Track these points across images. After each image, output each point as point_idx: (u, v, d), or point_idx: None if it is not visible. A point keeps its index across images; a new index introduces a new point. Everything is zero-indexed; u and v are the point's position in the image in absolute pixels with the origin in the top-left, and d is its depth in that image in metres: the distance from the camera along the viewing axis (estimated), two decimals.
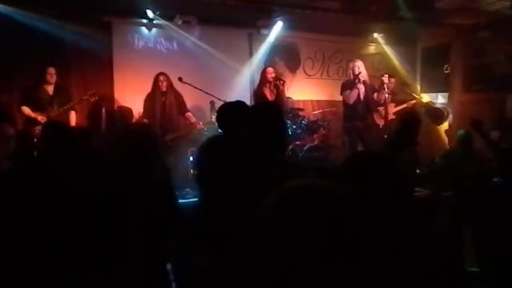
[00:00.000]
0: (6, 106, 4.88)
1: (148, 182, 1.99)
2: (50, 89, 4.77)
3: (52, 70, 4.73)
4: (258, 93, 5.33)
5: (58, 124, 2.99)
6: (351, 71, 5.33)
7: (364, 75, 5.28)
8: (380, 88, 5.62)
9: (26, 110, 4.65)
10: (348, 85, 5.34)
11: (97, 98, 5.01)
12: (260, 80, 5.43)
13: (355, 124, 5.28)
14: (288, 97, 5.71)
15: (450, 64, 6.86)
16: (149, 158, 2.10)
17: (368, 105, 5.37)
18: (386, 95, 5.61)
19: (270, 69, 5.41)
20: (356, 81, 5.25)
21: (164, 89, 4.98)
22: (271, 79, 5.26)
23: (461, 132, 4.74)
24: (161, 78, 4.98)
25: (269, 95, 5.26)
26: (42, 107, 4.68)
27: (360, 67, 5.28)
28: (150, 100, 5.05)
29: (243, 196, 1.49)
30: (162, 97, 5.01)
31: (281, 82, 5.22)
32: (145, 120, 5.03)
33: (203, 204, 1.58)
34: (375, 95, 5.58)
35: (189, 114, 5.22)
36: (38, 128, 4.52)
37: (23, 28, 4.93)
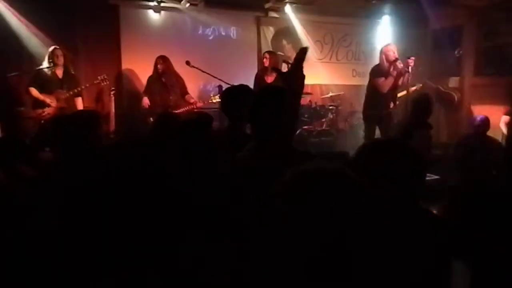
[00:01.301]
0: (15, 88, 4.89)
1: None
2: (59, 72, 4.76)
3: (59, 51, 4.71)
4: (257, 77, 5.34)
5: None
6: (384, 56, 4.85)
7: (399, 61, 4.81)
8: (405, 72, 5.02)
9: (34, 91, 4.64)
10: (382, 72, 4.83)
11: (108, 82, 5.04)
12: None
13: (378, 112, 4.85)
14: None
15: (462, 47, 6.72)
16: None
17: (394, 93, 5.01)
18: (409, 79, 5.07)
19: (266, 54, 5.46)
20: (392, 68, 4.77)
21: (160, 70, 5.15)
22: (267, 65, 5.30)
23: (479, 118, 4.67)
24: (159, 61, 5.16)
25: (269, 80, 5.24)
26: (50, 90, 4.67)
27: (395, 52, 4.81)
28: (151, 81, 5.26)
29: (255, 188, 1.48)
30: (162, 78, 5.18)
31: (289, 65, 5.15)
32: (145, 98, 5.20)
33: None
34: (400, 80, 5.05)
35: (189, 95, 5.34)
36: (46, 111, 4.59)
37: (31, 10, 4.92)
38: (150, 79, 5.27)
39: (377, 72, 4.93)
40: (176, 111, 5.05)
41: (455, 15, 6.57)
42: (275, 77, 5.12)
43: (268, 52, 5.59)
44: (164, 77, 5.16)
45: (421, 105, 4.23)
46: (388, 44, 5.03)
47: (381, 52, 4.96)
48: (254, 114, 1.78)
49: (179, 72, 5.32)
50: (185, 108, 5.22)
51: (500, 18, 6.08)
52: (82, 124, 2.40)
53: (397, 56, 4.79)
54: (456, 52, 6.75)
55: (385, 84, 4.82)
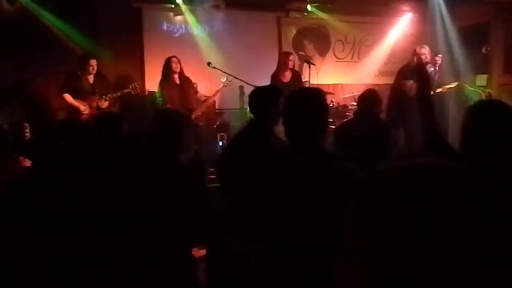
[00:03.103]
0: (40, 93, 4.98)
1: (173, 164, 1.99)
2: (90, 77, 4.84)
3: (94, 62, 4.79)
4: (273, 76, 5.20)
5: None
6: (416, 58, 4.73)
7: (431, 64, 4.74)
8: (435, 74, 4.96)
9: (69, 98, 4.67)
10: (411, 73, 4.63)
11: (139, 91, 5.09)
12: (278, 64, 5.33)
13: (402, 115, 4.66)
14: (304, 81, 5.54)
15: (489, 44, 6.53)
16: (172, 139, 2.13)
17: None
18: (436, 77, 5.02)
19: (291, 57, 5.33)
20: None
21: (178, 70, 4.99)
22: (291, 66, 5.23)
23: None
24: (175, 60, 4.99)
25: (285, 79, 5.17)
26: (83, 96, 4.73)
27: (427, 55, 4.71)
28: (165, 85, 5.01)
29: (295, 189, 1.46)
30: (177, 80, 5.02)
31: (310, 65, 5.13)
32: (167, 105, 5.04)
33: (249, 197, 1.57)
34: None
35: (199, 94, 5.23)
36: (80, 117, 4.64)
37: (58, 14, 5.05)
38: (163, 83, 5.02)
39: (404, 72, 4.79)
40: (198, 113, 5.05)
41: (481, 12, 6.40)
42: (291, 76, 5.13)
43: (292, 53, 5.52)
44: (180, 78, 5.04)
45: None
46: (422, 47, 4.88)
47: (414, 53, 4.82)
48: (290, 115, 1.76)
49: (200, 74, 5.33)
50: (205, 109, 5.18)
51: None
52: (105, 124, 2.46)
53: (429, 60, 4.67)
54: (483, 50, 6.57)
55: (414, 87, 4.60)
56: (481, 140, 1.52)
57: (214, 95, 5.21)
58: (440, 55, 4.88)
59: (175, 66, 4.96)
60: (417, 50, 4.82)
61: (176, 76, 5.00)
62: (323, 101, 1.86)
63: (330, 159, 1.63)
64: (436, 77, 4.91)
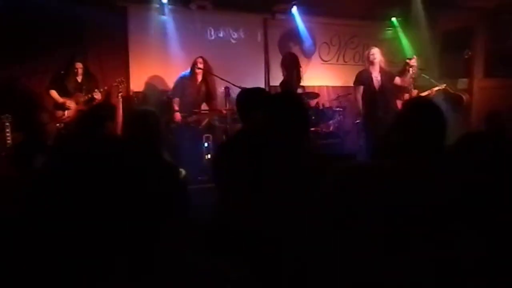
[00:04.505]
0: (35, 91, 4.96)
1: (150, 163, 1.99)
2: (78, 78, 4.87)
3: (79, 65, 4.84)
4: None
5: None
6: (366, 61, 5.09)
7: (380, 62, 5.02)
8: (405, 72, 5.24)
9: (54, 94, 4.73)
10: (362, 77, 5.08)
11: (125, 85, 5.11)
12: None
13: (374, 114, 4.96)
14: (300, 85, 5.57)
15: (471, 48, 6.66)
16: (149, 139, 2.13)
17: (386, 94, 5.05)
18: (411, 79, 5.26)
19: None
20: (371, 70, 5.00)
21: (201, 72, 5.09)
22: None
23: None
24: (200, 60, 5.07)
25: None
26: (70, 93, 4.77)
27: (376, 55, 4.98)
28: (185, 80, 5.12)
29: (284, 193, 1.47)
30: (198, 81, 5.12)
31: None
32: (175, 98, 5.11)
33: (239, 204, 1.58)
34: (398, 79, 5.23)
35: (215, 102, 5.28)
36: (66, 113, 4.69)
37: (43, 12, 4.97)
38: (184, 78, 5.14)
39: (358, 77, 5.12)
40: (197, 118, 5.13)
41: (465, 17, 6.52)
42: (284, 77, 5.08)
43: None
44: (202, 80, 5.14)
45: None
46: (371, 49, 5.13)
47: (366, 57, 5.16)
48: (279, 118, 1.80)
49: None
50: (207, 117, 5.23)
51: (509, 20, 6.02)
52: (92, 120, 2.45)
53: (379, 60, 4.98)
54: (465, 54, 6.70)
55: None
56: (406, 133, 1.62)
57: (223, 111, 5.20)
58: (414, 57, 5.09)
59: (201, 66, 5.07)
60: (365, 53, 5.17)
61: (199, 75, 5.10)
62: (305, 104, 1.95)
63: (311, 156, 1.67)
64: (409, 78, 5.17)
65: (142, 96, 5.65)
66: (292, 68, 5.00)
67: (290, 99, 1.93)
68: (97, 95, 4.82)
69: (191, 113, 5.14)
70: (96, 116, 4.32)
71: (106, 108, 4.79)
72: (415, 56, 5.19)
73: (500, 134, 3.63)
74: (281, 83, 5.06)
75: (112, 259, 0.90)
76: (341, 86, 6.75)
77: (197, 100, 5.18)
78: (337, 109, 5.98)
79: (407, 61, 5.17)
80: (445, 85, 5.99)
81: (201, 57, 5.13)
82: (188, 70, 5.20)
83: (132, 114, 2.66)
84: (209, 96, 5.26)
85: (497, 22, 6.26)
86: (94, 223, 0.92)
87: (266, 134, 2.14)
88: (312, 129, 5.57)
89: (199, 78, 5.14)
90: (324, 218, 0.82)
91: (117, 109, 5.23)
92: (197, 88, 5.14)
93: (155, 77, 5.34)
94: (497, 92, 6.16)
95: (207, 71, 5.13)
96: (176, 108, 5.10)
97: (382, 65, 5.08)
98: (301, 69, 5.16)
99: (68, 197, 0.93)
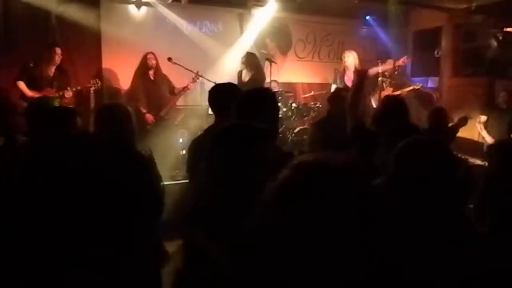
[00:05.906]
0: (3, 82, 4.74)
1: (122, 158, 1.97)
2: (51, 69, 4.65)
3: (59, 51, 4.64)
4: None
5: (41, 103, 2.95)
6: (343, 62, 5.48)
7: (355, 63, 5.36)
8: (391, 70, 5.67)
9: (22, 85, 4.49)
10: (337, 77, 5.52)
11: (100, 85, 4.98)
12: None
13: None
14: (273, 80, 5.65)
15: (441, 48, 6.86)
16: (119, 132, 2.11)
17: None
18: (380, 78, 5.58)
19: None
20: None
21: (153, 67, 5.06)
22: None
23: None
24: (150, 56, 5.05)
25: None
26: (39, 87, 4.54)
27: (350, 57, 5.38)
28: (139, 78, 5.09)
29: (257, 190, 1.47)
30: (152, 76, 5.09)
31: (271, 63, 5.21)
32: (139, 102, 5.04)
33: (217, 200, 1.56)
34: (378, 69, 5.54)
35: (176, 90, 5.27)
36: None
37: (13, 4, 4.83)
38: (137, 75, 5.10)
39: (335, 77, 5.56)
40: (168, 108, 5.13)
41: (435, 17, 6.70)
42: (251, 76, 5.21)
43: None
44: (154, 74, 5.09)
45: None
46: (348, 51, 5.50)
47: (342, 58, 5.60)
48: (246, 115, 1.80)
49: (162, 69, 5.25)
50: (174, 103, 5.25)
51: (478, 21, 6.23)
52: (56, 118, 2.40)
53: (354, 63, 5.33)
54: (435, 53, 6.89)
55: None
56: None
57: (183, 90, 5.18)
58: (391, 60, 5.38)
59: (150, 63, 5.05)
60: (342, 55, 5.59)
61: (151, 72, 5.07)
62: (275, 100, 1.98)
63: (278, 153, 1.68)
64: (387, 77, 5.53)
65: (115, 92, 5.56)
66: (255, 67, 5.26)
67: (262, 94, 1.94)
68: (68, 94, 4.63)
69: (160, 108, 5.10)
70: (59, 115, 4.19)
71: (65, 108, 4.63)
72: (406, 57, 5.58)
73: (441, 130, 3.81)
74: (248, 81, 5.12)
75: (87, 254, 0.89)
76: (317, 83, 6.82)
77: (162, 95, 5.14)
78: (312, 105, 6.04)
79: (397, 61, 5.54)
80: (420, 85, 6.19)
81: (151, 52, 5.08)
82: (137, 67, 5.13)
83: (102, 109, 2.63)
84: (171, 89, 5.24)
85: (465, 23, 6.47)
86: (66, 222, 0.91)
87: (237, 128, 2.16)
88: (284, 125, 5.61)
89: (152, 74, 5.09)
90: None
91: (89, 104, 5.14)
92: (156, 84, 5.10)
93: (129, 72, 5.23)
94: (465, 90, 6.37)
95: (158, 66, 5.11)
96: (144, 110, 5.03)
97: (357, 65, 5.33)
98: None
99: (39, 200, 0.91)
